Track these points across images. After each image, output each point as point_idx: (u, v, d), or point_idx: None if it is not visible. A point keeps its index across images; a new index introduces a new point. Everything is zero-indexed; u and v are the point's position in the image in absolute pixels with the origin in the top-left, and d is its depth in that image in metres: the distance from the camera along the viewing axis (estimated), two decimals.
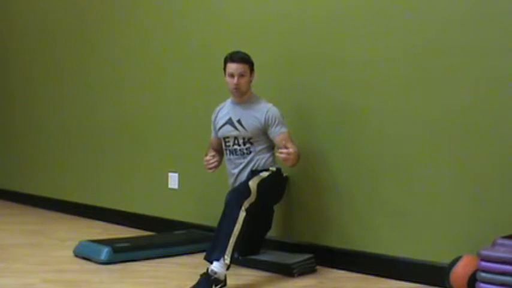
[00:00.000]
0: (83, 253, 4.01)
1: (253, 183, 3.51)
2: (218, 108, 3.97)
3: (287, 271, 3.65)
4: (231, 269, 3.29)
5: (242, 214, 3.35)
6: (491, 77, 3.24)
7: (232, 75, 3.70)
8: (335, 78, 3.88)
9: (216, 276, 3.21)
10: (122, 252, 3.93)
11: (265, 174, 3.67)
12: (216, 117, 3.95)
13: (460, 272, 3.02)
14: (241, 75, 3.69)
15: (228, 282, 3.35)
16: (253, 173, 3.69)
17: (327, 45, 3.92)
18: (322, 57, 3.94)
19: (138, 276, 3.61)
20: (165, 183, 4.97)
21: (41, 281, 3.44)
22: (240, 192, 3.47)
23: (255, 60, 3.80)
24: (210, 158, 3.88)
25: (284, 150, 3.47)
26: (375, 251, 3.68)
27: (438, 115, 3.43)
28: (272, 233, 4.00)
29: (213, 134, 4.00)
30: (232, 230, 3.31)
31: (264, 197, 3.52)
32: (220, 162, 3.95)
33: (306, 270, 3.70)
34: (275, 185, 3.73)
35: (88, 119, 5.81)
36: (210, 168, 3.89)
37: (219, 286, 3.23)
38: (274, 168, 3.74)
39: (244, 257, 3.85)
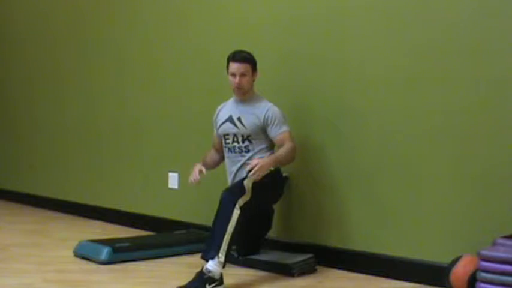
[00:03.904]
0: (83, 253, 4.01)
1: (248, 182, 3.50)
2: (220, 107, 3.98)
3: (287, 271, 3.65)
4: (231, 268, 3.29)
5: (236, 212, 3.35)
6: (491, 77, 3.25)
7: (234, 75, 3.72)
8: (335, 78, 3.88)
9: (210, 274, 3.22)
10: (122, 252, 3.93)
11: None
12: (217, 115, 3.96)
13: (460, 272, 3.02)
14: (242, 75, 3.70)
15: (228, 282, 3.36)
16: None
17: (327, 45, 3.92)
18: (322, 57, 3.94)
19: (138, 276, 3.62)
20: (165, 183, 4.97)
21: (41, 281, 3.44)
22: (234, 190, 3.48)
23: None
24: (196, 171, 3.79)
25: (248, 167, 3.48)
26: (375, 251, 3.68)
27: (438, 115, 3.43)
28: (272, 233, 4.00)
29: (215, 132, 4.00)
30: (226, 228, 3.31)
31: (259, 196, 3.51)
32: (217, 163, 4.00)
33: (306, 270, 3.70)
34: (272, 185, 3.72)
35: (88, 118, 5.80)
36: (191, 181, 3.80)
37: (214, 284, 3.23)
38: (272, 168, 3.72)
39: (244, 257, 3.85)
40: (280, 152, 3.63)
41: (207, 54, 4.66)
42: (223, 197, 3.44)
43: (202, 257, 3.32)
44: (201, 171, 3.79)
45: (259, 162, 3.47)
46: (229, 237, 3.30)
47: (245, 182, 3.52)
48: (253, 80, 3.79)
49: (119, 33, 5.47)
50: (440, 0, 3.43)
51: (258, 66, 3.81)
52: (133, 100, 5.31)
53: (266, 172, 3.49)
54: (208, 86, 4.64)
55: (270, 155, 3.73)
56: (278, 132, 3.69)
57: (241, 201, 3.40)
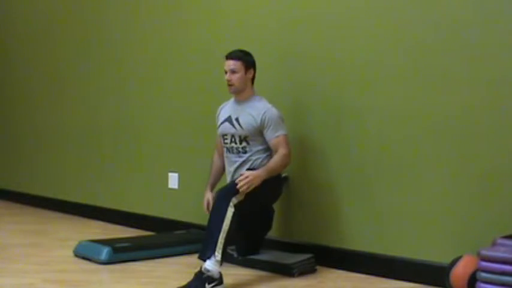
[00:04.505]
0: (83, 253, 4.01)
1: (241, 195, 3.46)
2: (221, 107, 3.99)
3: (287, 271, 3.65)
4: (230, 268, 3.29)
5: (230, 210, 3.35)
6: (491, 77, 3.25)
7: (226, 72, 3.76)
8: (334, 78, 3.88)
9: (209, 274, 3.22)
10: (122, 252, 3.93)
11: None
12: (218, 114, 3.98)
13: (460, 272, 3.02)
14: (232, 72, 3.73)
15: (228, 282, 3.36)
16: None
17: (327, 45, 3.92)
18: (321, 57, 3.94)
19: (138, 276, 3.62)
20: (165, 183, 4.97)
21: (41, 281, 3.44)
22: (228, 189, 3.47)
23: (254, 58, 3.81)
24: (205, 204, 3.92)
25: (240, 178, 3.45)
26: (375, 251, 3.68)
27: (438, 115, 3.43)
28: (272, 233, 4.00)
29: (217, 132, 4.00)
30: (221, 226, 3.31)
31: (255, 196, 3.49)
32: (223, 171, 3.98)
33: (306, 270, 3.70)
34: (268, 186, 3.67)
35: (88, 119, 5.81)
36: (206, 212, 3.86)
37: (214, 284, 3.24)
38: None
39: (244, 257, 3.85)
40: (273, 161, 3.63)
41: (207, 54, 4.66)
42: (217, 196, 3.47)
43: (200, 257, 3.33)
44: (208, 204, 3.87)
45: (249, 175, 3.46)
46: (224, 235, 3.30)
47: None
48: (250, 80, 3.79)
49: (118, 34, 5.47)
50: (440, 0, 3.44)
51: (258, 66, 3.82)
52: (133, 100, 5.31)
53: (257, 184, 3.47)
54: (208, 86, 4.64)
55: (267, 156, 3.73)
56: (273, 136, 3.69)
57: (235, 200, 3.39)
